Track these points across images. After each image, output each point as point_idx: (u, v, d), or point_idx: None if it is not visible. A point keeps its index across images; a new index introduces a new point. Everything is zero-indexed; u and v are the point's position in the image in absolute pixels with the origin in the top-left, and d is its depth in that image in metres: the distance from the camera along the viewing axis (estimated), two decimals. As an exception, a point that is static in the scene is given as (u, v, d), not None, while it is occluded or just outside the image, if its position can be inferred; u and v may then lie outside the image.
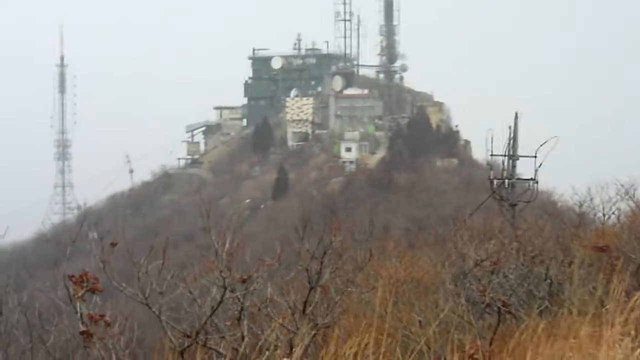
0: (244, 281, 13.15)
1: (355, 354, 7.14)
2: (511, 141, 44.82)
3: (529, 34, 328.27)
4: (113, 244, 12.56)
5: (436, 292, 14.95)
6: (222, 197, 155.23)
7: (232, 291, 13.31)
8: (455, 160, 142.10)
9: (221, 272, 13.24)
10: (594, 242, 18.44)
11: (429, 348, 10.63)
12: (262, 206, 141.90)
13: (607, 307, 8.95)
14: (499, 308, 13.31)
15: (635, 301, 9.24)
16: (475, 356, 8.05)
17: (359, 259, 16.64)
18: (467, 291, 14.27)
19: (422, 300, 14.30)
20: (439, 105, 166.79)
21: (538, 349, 8.05)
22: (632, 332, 8.78)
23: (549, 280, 15.37)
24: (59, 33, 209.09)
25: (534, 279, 15.36)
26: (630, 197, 29.30)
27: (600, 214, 30.85)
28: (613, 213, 30.34)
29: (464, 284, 14.56)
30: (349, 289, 15.69)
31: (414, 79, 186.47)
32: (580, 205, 30.92)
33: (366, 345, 7.20)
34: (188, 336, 11.89)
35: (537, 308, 13.96)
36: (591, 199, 32.15)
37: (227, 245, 14.25)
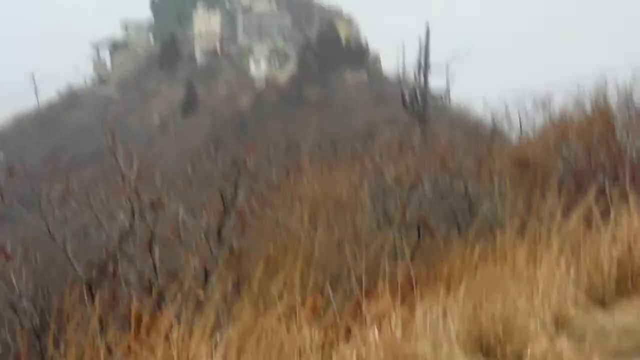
0: (153, 205, 12.39)
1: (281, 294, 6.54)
2: (423, 53, 44.42)
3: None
4: (11, 170, 11.74)
5: (355, 211, 14.43)
6: (130, 114, 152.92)
7: (141, 216, 12.62)
8: (364, 75, 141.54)
9: (129, 196, 12.50)
10: (513, 156, 18.06)
11: (351, 273, 10.16)
12: (170, 122, 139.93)
13: (541, 226, 8.48)
14: (418, 226, 12.92)
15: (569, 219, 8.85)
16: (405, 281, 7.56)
17: (274, 178, 16.00)
18: (386, 209, 13.85)
19: (341, 220, 13.78)
20: (349, 20, 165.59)
21: (474, 273, 7.57)
22: (568, 252, 8.38)
23: (468, 197, 14.95)
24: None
25: (453, 195, 14.96)
26: (546, 109, 29.07)
27: (517, 127, 30.60)
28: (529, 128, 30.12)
29: (383, 202, 14.12)
30: (265, 211, 15.08)
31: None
32: (494, 119, 30.62)
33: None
34: (96, 267, 11.12)
35: (459, 228, 13.57)
36: (507, 112, 31.82)
37: (134, 167, 13.52)
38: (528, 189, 15.14)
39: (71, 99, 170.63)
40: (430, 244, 13.61)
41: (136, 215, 12.29)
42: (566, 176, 15.66)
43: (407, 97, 44.41)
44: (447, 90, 43.45)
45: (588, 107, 27.02)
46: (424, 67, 44.89)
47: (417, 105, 43.49)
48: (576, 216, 9.01)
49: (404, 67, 44.42)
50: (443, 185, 15.13)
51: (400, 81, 44.55)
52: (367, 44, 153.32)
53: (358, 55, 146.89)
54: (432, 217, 14.32)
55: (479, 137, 23.57)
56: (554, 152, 18.47)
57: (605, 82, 24.55)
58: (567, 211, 9.39)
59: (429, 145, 32.28)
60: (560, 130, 20.98)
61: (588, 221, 9.32)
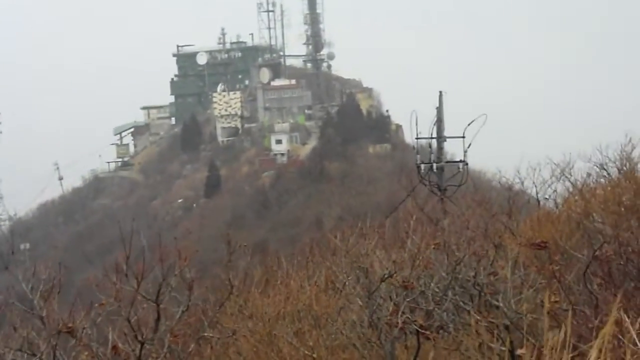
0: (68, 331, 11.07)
1: None
2: (437, 122, 43.04)
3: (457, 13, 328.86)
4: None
5: (332, 321, 12.65)
6: (154, 198, 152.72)
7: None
8: (388, 146, 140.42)
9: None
10: (529, 236, 16.21)
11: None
12: (194, 205, 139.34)
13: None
14: (417, 332, 11.16)
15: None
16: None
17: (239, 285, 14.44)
18: (375, 313, 12.08)
19: (314, 332, 12.05)
20: (369, 91, 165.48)
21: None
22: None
23: (478, 289, 13.14)
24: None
25: (460, 287, 13.17)
26: (567, 177, 27.33)
27: (533, 198, 28.83)
28: (547, 198, 28.35)
29: (371, 305, 12.32)
30: (206, 335, 13.47)
31: (342, 66, 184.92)
32: (510, 189, 28.85)
33: None
34: None
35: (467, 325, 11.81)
36: (522, 182, 30.18)
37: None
38: (547, 279, 13.46)
39: (95, 185, 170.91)
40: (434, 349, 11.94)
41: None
42: (592, 264, 13.77)
43: (422, 168, 42.84)
44: (465, 160, 41.81)
45: (613, 171, 25.43)
46: (439, 135, 43.39)
47: (434, 175, 42.00)
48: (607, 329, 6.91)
49: (417, 138, 42.65)
50: (448, 276, 13.30)
51: (416, 152, 42.86)
52: (388, 114, 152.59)
53: (379, 125, 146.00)
54: (436, 316, 12.57)
55: (496, 211, 21.91)
56: (576, 228, 16.66)
57: (631, 145, 22.91)
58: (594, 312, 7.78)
59: (444, 217, 30.71)
60: (583, 200, 19.08)
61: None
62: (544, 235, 16.36)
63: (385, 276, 12.40)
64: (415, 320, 11.43)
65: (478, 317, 12.07)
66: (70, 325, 11.01)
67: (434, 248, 13.69)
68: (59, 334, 11.12)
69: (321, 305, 12.70)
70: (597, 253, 13.62)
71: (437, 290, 13.22)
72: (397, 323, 11.39)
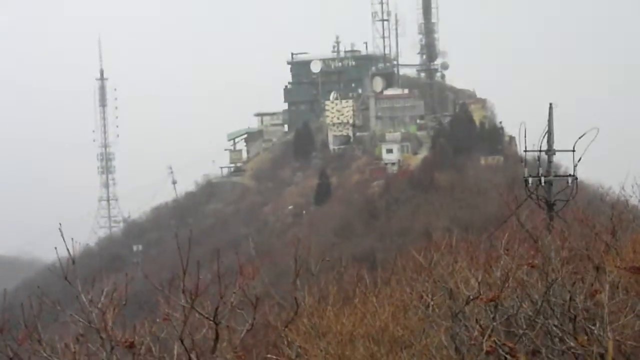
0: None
1: None
2: (546, 134, 42.09)
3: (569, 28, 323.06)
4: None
5: (413, 344, 12.09)
6: (265, 204, 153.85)
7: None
8: (500, 157, 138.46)
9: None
10: (631, 257, 15.38)
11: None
12: (304, 212, 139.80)
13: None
14: (506, 356, 10.56)
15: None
16: None
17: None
18: (459, 335, 11.50)
19: (390, 356, 11.55)
20: (482, 102, 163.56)
21: None
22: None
23: (571, 314, 12.43)
24: (97, 46, 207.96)
25: (553, 311, 12.48)
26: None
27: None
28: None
29: (455, 327, 11.72)
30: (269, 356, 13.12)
31: (456, 76, 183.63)
32: (614, 206, 27.72)
33: None
34: None
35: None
36: (626, 199, 29.08)
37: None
38: None
39: (208, 189, 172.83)
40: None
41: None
42: None
43: (530, 181, 41.93)
44: (574, 173, 40.79)
45: None
46: (549, 148, 42.37)
47: (542, 190, 41.06)
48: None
49: (526, 150, 41.74)
50: (539, 300, 12.60)
51: (524, 165, 41.94)
52: (501, 125, 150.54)
53: (492, 137, 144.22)
54: (526, 340, 11.94)
55: (598, 229, 21.04)
56: None
57: None
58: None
59: (550, 232, 29.88)
60: None
61: None
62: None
63: (471, 297, 11.88)
64: (504, 344, 10.90)
65: (572, 344, 11.53)
66: (130, 339, 10.90)
67: (527, 268, 13.10)
68: (113, 348, 11.03)
69: (400, 327, 12.23)
70: None
71: (530, 313, 12.63)
72: (483, 346, 10.87)
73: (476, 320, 11.81)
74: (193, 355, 11.36)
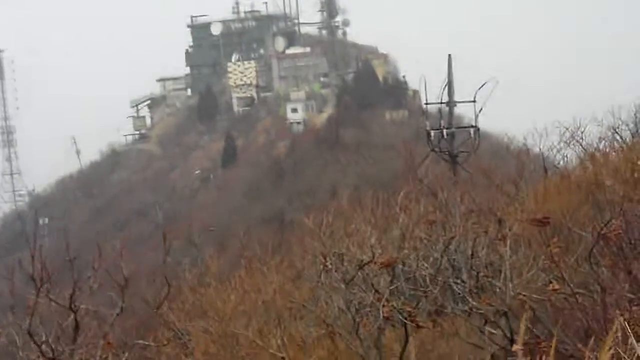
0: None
1: None
2: (447, 86, 41.88)
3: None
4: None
5: (301, 315, 11.50)
6: (172, 170, 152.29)
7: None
8: (405, 112, 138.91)
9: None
10: (534, 209, 15.00)
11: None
12: (211, 176, 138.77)
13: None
14: (404, 322, 10.02)
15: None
16: None
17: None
18: (353, 301, 10.90)
19: (278, 330, 10.89)
20: (384, 57, 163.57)
21: None
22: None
23: (475, 272, 11.95)
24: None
25: (453, 268, 11.99)
26: (578, 142, 25.97)
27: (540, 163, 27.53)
28: (556, 165, 27.00)
29: (348, 293, 11.09)
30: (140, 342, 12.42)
31: (358, 33, 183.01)
32: (517, 156, 27.58)
33: None
34: None
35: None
36: (527, 148, 28.99)
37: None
38: (549, 256, 12.23)
39: (113, 158, 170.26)
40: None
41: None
42: (598, 244, 12.43)
43: (432, 134, 41.73)
44: (476, 125, 40.71)
45: (627, 135, 24.02)
46: (449, 100, 42.18)
47: (444, 143, 40.89)
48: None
49: (427, 103, 41.55)
50: (438, 257, 12.05)
51: (425, 118, 41.65)
52: (405, 80, 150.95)
53: (396, 92, 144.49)
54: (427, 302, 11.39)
55: (500, 181, 20.71)
56: (585, 200, 15.39)
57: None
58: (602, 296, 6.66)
59: (454, 185, 29.53)
60: (593, 166, 17.69)
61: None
62: (550, 208, 15.20)
63: (364, 262, 11.30)
64: (402, 308, 10.35)
65: (474, 303, 11.08)
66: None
67: (426, 225, 12.57)
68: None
69: (289, 297, 11.60)
70: (604, 230, 12.43)
71: (431, 272, 12.11)
72: (380, 312, 10.32)
73: (372, 284, 11.22)
74: (46, 348, 10.51)
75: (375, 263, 11.22)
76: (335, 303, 11.73)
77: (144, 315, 12.80)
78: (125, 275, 11.29)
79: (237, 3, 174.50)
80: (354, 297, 11.38)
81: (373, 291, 11.10)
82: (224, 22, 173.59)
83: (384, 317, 10.56)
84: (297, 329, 11.28)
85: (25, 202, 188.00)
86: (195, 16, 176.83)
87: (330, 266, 12.04)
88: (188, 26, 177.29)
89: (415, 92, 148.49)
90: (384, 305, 10.53)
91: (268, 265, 14.15)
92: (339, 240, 12.23)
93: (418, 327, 10.53)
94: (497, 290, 11.46)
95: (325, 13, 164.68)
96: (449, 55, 41.09)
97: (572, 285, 11.58)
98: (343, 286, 11.56)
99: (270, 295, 11.84)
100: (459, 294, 11.68)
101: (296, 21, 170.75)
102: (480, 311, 10.54)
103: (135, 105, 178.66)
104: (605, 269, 12.33)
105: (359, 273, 11.45)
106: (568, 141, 26.62)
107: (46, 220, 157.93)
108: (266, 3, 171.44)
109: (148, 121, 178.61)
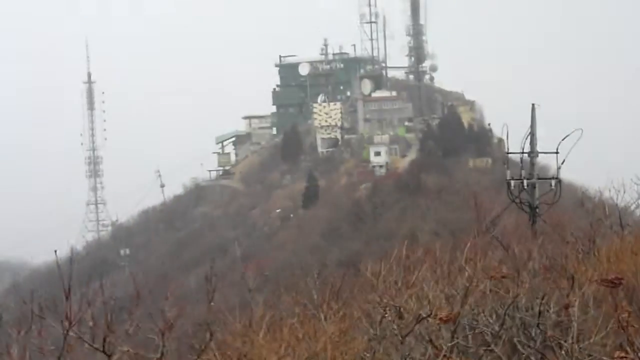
0: None
1: None
2: (529, 136, 41.40)
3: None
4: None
5: None
6: (253, 208, 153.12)
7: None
8: (489, 160, 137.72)
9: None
10: (605, 268, 14.49)
11: None
12: (291, 215, 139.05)
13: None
14: None
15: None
16: None
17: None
18: (410, 355, 10.56)
19: None
20: (471, 104, 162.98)
21: None
22: None
23: (539, 331, 11.50)
24: (84, 49, 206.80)
25: (521, 327, 11.56)
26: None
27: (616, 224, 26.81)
28: (631, 223, 26.26)
29: (404, 349, 10.72)
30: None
31: (445, 79, 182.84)
32: (592, 212, 26.94)
33: None
34: None
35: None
36: (605, 206, 28.31)
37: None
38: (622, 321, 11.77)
39: (197, 193, 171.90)
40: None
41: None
42: None
43: (513, 185, 41.20)
44: (557, 177, 40.16)
45: None
46: (531, 150, 41.66)
47: (525, 193, 40.34)
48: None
49: (508, 152, 41.15)
50: (500, 317, 11.60)
51: (506, 168, 41.11)
52: (490, 127, 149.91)
53: (480, 139, 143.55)
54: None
55: (573, 238, 20.23)
56: None
57: None
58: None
59: (533, 235, 29.07)
60: None
61: None
62: (622, 268, 14.69)
63: (423, 315, 10.94)
64: None
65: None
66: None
67: (490, 280, 12.21)
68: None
69: (343, 350, 11.21)
70: None
71: (496, 328, 11.72)
72: None
73: (430, 340, 10.84)
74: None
75: (434, 317, 10.92)
76: (391, 357, 11.41)
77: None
78: (169, 319, 11.12)
79: (325, 45, 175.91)
80: (410, 351, 11.04)
81: (430, 346, 10.78)
82: (311, 63, 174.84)
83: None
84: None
85: (108, 231, 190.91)
86: (284, 56, 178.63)
87: (387, 318, 11.77)
88: (276, 66, 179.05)
89: (501, 141, 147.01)
90: (441, 361, 10.25)
91: (326, 313, 13.83)
92: (398, 292, 11.93)
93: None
94: (565, 351, 11.09)
95: (412, 58, 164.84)
96: (533, 104, 40.64)
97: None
98: (399, 340, 11.24)
99: (322, 347, 11.47)
100: (524, 354, 11.31)
101: (383, 65, 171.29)
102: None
103: (221, 141, 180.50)
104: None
105: (417, 327, 11.12)
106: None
107: (127, 251, 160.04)
108: (354, 45, 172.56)
109: (232, 158, 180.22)
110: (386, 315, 11.89)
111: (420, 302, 11.63)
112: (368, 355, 11.54)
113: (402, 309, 11.57)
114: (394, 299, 11.83)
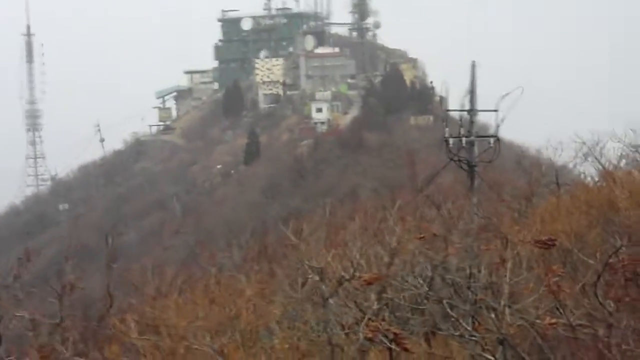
0: None
1: None
2: (469, 94, 41.14)
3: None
4: None
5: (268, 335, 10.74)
6: (194, 163, 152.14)
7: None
8: (430, 117, 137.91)
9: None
10: (540, 229, 14.26)
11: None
12: (232, 172, 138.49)
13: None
14: (390, 344, 9.27)
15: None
16: None
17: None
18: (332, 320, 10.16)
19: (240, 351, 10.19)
20: (413, 62, 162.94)
21: None
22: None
23: (471, 294, 11.24)
24: (24, 1, 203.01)
25: (452, 289, 11.28)
26: (596, 158, 25.00)
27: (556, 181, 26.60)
28: (569, 182, 26.11)
29: (326, 312, 10.32)
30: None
31: (388, 36, 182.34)
32: (530, 172, 26.75)
33: None
34: None
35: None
36: (541, 165, 28.16)
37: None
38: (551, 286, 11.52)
39: (137, 148, 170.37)
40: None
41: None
42: (607, 271, 11.63)
43: (451, 142, 40.90)
44: (496, 135, 39.93)
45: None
46: (471, 108, 41.37)
47: (463, 151, 40.15)
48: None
49: (448, 110, 40.96)
50: (428, 275, 11.29)
51: (445, 126, 40.77)
52: (432, 85, 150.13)
53: (422, 97, 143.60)
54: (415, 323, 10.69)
55: (507, 196, 20.05)
56: (597, 222, 14.63)
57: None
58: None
59: (470, 194, 28.97)
60: (607, 188, 16.89)
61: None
62: (557, 229, 14.49)
63: (346, 278, 10.54)
64: (387, 329, 9.54)
65: (468, 328, 10.43)
66: None
67: (419, 240, 11.83)
68: None
69: (259, 314, 10.81)
70: (611, 260, 11.70)
71: (426, 290, 11.41)
72: (360, 333, 9.60)
73: (355, 302, 10.43)
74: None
75: (356, 280, 10.48)
76: (308, 324, 10.96)
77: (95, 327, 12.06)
78: (69, 282, 10.66)
79: (268, 0, 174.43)
80: (332, 315, 10.60)
81: (355, 309, 10.38)
82: (254, 17, 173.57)
83: (366, 338, 9.80)
84: (265, 350, 10.50)
85: (47, 186, 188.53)
86: (227, 10, 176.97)
87: (308, 280, 11.34)
88: (218, 20, 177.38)
89: (442, 99, 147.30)
90: (367, 325, 9.80)
91: (247, 274, 13.42)
92: (321, 252, 11.47)
93: (405, 350, 9.76)
94: (495, 314, 10.80)
95: (356, 14, 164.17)
96: (473, 61, 40.34)
97: (575, 315, 10.95)
98: (321, 303, 10.81)
99: (237, 311, 11.00)
100: (452, 317, 10.99)
101: (327, 21, 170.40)
102: (475, 338, 9.88)
103: (162, 96, 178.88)
104: (612, 302, 11.58)
105: (340, 290, 10.70)
106: (584, 157, 25.84)
107: (66, 206, 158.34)
108: (297, 1, 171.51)
109: (173, 113, 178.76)
110: (309, 276, 11.48)
111: (342, 263, 11.20)
112: (286, 319, 11.18)
113: (325, 271, 11.15)
114: (317, 259, 11.38)
